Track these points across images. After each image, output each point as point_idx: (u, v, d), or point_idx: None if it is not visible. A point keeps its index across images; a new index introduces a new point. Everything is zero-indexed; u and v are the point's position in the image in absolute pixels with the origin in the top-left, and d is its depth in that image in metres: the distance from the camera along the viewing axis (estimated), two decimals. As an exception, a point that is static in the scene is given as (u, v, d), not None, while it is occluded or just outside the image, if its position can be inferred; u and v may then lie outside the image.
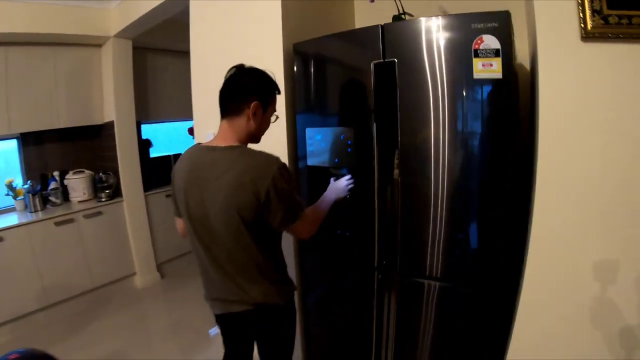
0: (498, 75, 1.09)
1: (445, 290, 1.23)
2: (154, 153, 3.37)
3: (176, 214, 1.13)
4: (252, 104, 0.97)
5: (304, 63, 1.44)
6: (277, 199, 0.92)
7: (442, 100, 1.14)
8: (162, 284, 3.02)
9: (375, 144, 1.26)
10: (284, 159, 1.52)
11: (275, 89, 1.04)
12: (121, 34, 2.72)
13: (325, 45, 1.38)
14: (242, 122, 0.99)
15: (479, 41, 1.10)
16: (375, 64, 1.22)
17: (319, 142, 1.40)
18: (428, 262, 1.23)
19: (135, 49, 2.92)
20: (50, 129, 2.69)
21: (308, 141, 1.43)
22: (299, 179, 1.51)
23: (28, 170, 2.77)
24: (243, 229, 0.94)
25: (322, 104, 1.44)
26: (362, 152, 1.30)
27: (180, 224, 1.14)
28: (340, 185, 1.30)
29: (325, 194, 1.27)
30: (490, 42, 1.09)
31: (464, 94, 1.13)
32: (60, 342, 2.22)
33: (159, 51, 3.30)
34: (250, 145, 1.04)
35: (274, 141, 1.48)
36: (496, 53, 1.08)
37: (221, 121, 1.02)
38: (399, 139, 1.20)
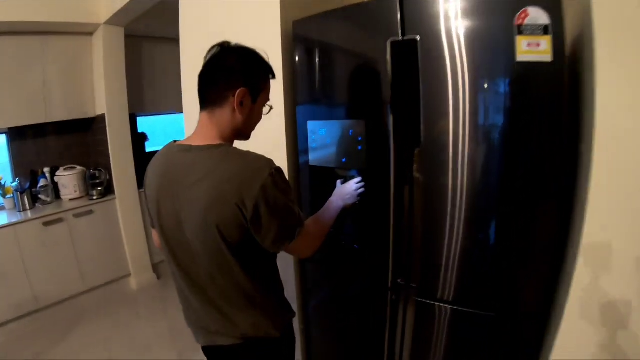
0: (547, 57, 0.87)
1: (483, 319, 1.02)
2: (150, 147, 3.21)
3: (152, 225, 0.94)
4: (239, 92, 0.76)
5: (305, 43, 1.22)
6: (268, 213, 0.72)
7: (474, 89, 0.92)
8: (158, 285, 2.89)
9: (391, 140, 1.05)
10: (282, 159, 1.32)
11: (268, 72, 0.83)
12: (112, 21, 2.55)
13: (330, 22, 1.16)
14: (226, 115, 0.79)
15: (522, 15, 0.88)
16: (392, 43, 1.00)
17: (323, 137, 1.19)
18: (459, 283, 1.02)
19: (129, 37, 2.76)
20: (41, 123, 2.54)
21: (310, 137, 1.22)
22: (299, 182, 1.31)
23: (17, 167, 2.64)
24: (225, 250, 0.75)
25: (326, 92, 1.22)
26: (376, 150, 1.09)
27: (157, 236, 0.95)
28: (349, 189, 1.09)
29: (330, 200, 1.06)
30: (538, 15, 0.88)
31: (504, 80, 0.91)
32: (52, 347, 2.12)
33: (154, 39, 3.11)
34: (237, 144, 0.84)
35: (269, 138, 1.28)
36: (545, 30, 0.87)
37: (200, 113, 0.82)
38: (422, 134, 0.98)
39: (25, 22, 2.24)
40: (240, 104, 0.78)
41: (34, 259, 2.31)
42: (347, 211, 1.09)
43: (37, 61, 2.46)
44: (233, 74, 0.77)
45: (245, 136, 0.85)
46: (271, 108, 0.86)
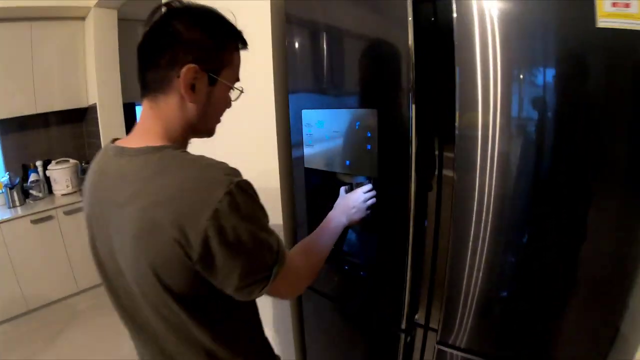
0: (639, 24, 0.59)
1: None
2: (148, 140, 3.02)
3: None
4: (185, 69, 0.52)
5: (299, 12, 0.96)
6: (225, 250, 0.48)
7: (534, 66, 0.64)
8: (157, 287, 2.74)
9: (413, 134, 0.78)
10: (271, 161, 1.04)
11: (234, 40, 0.58)
12: (103, 3, 2.37)
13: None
14: (172, 104, 0.55)
15: (604, -39, 0.61)
16: (414, 2, 0.73)
17: (322, 132, 0.93)
18: (497, 327, 0.76)
19: (123, 20, 2.56)
20: (31, 114, 2.40)
21: (305, 130, 0.96)
22: (292, 191, 1.05)
23: (7, 161, 2.52)
24: (169, 299, 0.52)
25: (327, 72, 0.95)
26: (391, 149, 0.83)
27: None
28: (356, 200, 0.84)
29: (329, 216, 0.82)
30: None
31: (578, 55, 0.63)
32: (43, 350, 2.01)
33: (152, 22, 2.89)
34: (196, 144, 0.60)
35: (248, 133, 1.03)
36: None
37: (142, 102, 0.58)
38: (456, 126, 0.71)
39: (12, 8, 2.08)
40: (192, 87, 0.53)
41: (24, 258, 2.19)
42: (352, 229, 0.85)
43: (26, 49, 2.30)
44: (179, 44, 0.53)
45: (207, 131, 0.61)
46: (241, 91, 0.61)
